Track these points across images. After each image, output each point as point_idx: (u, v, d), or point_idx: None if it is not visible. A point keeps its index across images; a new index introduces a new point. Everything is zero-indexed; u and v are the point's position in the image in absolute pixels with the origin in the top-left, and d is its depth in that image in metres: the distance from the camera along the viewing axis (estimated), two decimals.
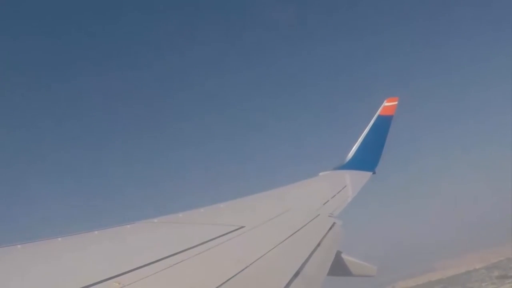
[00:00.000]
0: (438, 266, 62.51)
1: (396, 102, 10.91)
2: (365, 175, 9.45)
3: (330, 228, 4.75)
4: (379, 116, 10.74)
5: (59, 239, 3.75)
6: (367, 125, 10.74)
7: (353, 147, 10.51)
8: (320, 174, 9.62)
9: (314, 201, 6.40)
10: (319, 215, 5.36)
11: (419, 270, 61.05)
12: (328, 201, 6.36)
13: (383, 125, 10.68)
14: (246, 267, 3.06)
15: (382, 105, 10.85)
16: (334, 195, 6.81)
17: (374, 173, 9.78)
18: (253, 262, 3.18)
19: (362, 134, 10.66)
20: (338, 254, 4.49)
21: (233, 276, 2.86)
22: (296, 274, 3.12)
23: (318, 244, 4.02)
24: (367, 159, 10.14)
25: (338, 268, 4.49)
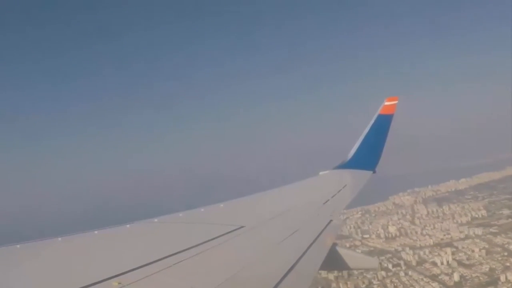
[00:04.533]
0: None
1: (396, 101, 10.90)
2: (365, 174, 9.44)
3: (328, 226, 4.76)
4: (379, 115, 10.73)
5: (59, 239, 3.78)
6: (368, 124, 10.74)
7: (353, 146, 10.50)
8: (320, 173, 9.61)
9: (314, 201, 6.40)
10: (318, 215, 5.37)
11: None
12: (328, 200, 6.35)
13: (383, 124, 10.67)
14: (245, 267, 3.07)
15: (382, 104, 10.84)
16: (334, 195, 6.80)
17: (374, 172, 9.76)
18: (252, 262, 3.20)
19: (363, 134, 10.65)
20: (338, 250, 4.54)
21: (232, 276, 2.88)
22: (290, 269, 3.15)
23: (316, 242, 4.04)
24: (367, 158, 10.13)
25: (341, 263, 4.54)
